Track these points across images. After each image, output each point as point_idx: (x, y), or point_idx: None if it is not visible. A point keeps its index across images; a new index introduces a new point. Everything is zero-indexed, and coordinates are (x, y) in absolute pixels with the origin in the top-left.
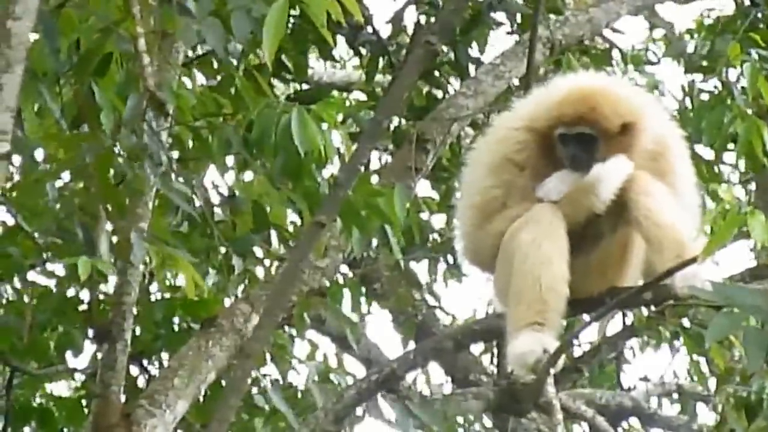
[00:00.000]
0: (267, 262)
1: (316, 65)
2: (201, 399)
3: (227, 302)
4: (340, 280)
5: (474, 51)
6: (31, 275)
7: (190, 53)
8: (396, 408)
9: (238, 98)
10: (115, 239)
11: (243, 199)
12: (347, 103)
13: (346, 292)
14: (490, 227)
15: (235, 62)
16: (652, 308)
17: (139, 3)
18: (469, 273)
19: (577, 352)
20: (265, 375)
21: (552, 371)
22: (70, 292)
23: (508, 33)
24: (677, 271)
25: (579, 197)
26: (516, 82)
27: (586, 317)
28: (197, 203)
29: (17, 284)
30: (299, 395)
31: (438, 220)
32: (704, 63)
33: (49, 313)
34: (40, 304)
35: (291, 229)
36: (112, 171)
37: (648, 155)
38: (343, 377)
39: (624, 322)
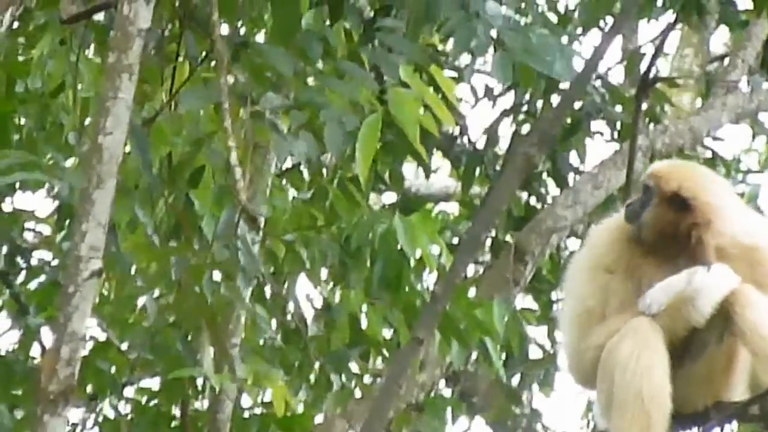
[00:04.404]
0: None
1: (412, 176)
2: None
3: (320, 417)
4: (439, 394)
5: (573, 159)
6: (127, 391)
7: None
8: None
9: (332, 210)
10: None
11: (338, 312)
12: (443, 215)
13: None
14: (590, 341)
15: (326, 173)
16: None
17: (230, 116)
18: (558, 388)
19: None
20: None
21: None
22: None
23: (607, 141)
24: None
25: (679, 310)
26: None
27: None
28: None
29: (112, 401)
30: None
31: (538, 333)
32: None
33: (143, 429)
34: (134, 420)
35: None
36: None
37: (745, 263)
38: None
39: None
